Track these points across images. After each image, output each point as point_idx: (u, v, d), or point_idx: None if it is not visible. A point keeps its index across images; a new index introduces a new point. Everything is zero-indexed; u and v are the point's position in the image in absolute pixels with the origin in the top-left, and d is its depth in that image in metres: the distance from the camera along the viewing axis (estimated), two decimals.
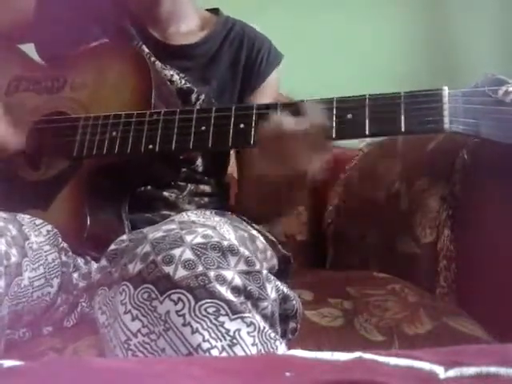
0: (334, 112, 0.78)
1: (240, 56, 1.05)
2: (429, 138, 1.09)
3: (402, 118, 0.75)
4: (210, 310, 0.56)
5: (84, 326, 0.81)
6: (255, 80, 1.05)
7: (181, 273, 0.57)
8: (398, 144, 1.20)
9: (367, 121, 0.77)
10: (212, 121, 0.83)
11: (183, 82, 1.00)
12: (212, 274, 0.57)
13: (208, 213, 0.77)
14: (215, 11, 1.11)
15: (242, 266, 0.61)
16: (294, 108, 0.80)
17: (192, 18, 1.07)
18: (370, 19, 1.88)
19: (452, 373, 0.34)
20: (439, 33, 1.98)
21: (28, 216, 0.81)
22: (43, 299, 0.77)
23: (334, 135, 0.78)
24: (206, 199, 1.02)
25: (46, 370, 0.37)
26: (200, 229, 0.63)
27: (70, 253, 0.83)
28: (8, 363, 0.36)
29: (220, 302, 0.57)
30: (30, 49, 1.07)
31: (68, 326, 0.83)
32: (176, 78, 1.00)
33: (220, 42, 1.05)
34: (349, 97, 0.79)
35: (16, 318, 0.74)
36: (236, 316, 0.57)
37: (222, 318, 0.56)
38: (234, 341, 0.56)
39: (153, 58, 1.00)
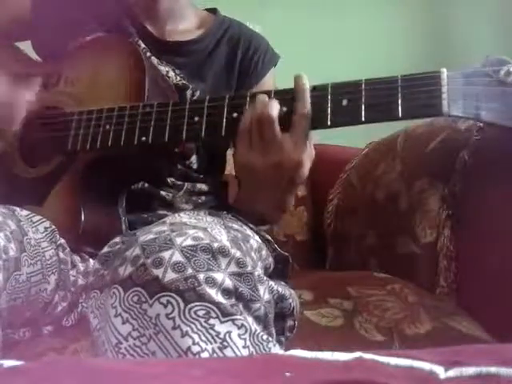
0: (329, 97, 0.75)
1: (236, 55, 1.05)
2: (429, 138, 1.09)
3: (400, 102, 0.72)
4: (200, 313, 0.55)
5: (84, 326, 0.80)
6: (251, 80, 1.05)
7: (170, 275, 0.56)
8: (398, 144, 1.20)
9: (363, 106, 0.73)
10: (205, 111, 0.80)
11: (178, 78, 1.00)
12: (202, 276, 0.57)
13: (201, 213, 0.76)
14: (213, 11, 1.11)
15: (233, 268, 0.60)
16: (285, 96, 0.77)
17: (190, 17, 1.07)
18: (369, 11, 1.89)
19: (452, 373, 0.34)
20: (439, 21, 1.98)
21: (26, 212, 0.81)
22: (40, 295, 0.77)
23: (328, 123, 0.75)
24: (204, 198, 1.02)
25: (46, 370, 0.37)
26: (191, 231, 0.62)
27: (68, 250, 0.83)
28: (8, 363, 0.36)
29: (210, 305, 0.56)
30: (26, 46, 1.07)
31: (67, 325, 0.83)
32: (171, 74, 1.00)
33: (216, 40, 1.05)
34: (344, 82, 0.76)
35: (15, 314, 0.74)
36: (226, 318, 0.56)
37: (212, 321, 0.55)
38: (225, 343, 0.55)
39: (148, 53, 0.99)
